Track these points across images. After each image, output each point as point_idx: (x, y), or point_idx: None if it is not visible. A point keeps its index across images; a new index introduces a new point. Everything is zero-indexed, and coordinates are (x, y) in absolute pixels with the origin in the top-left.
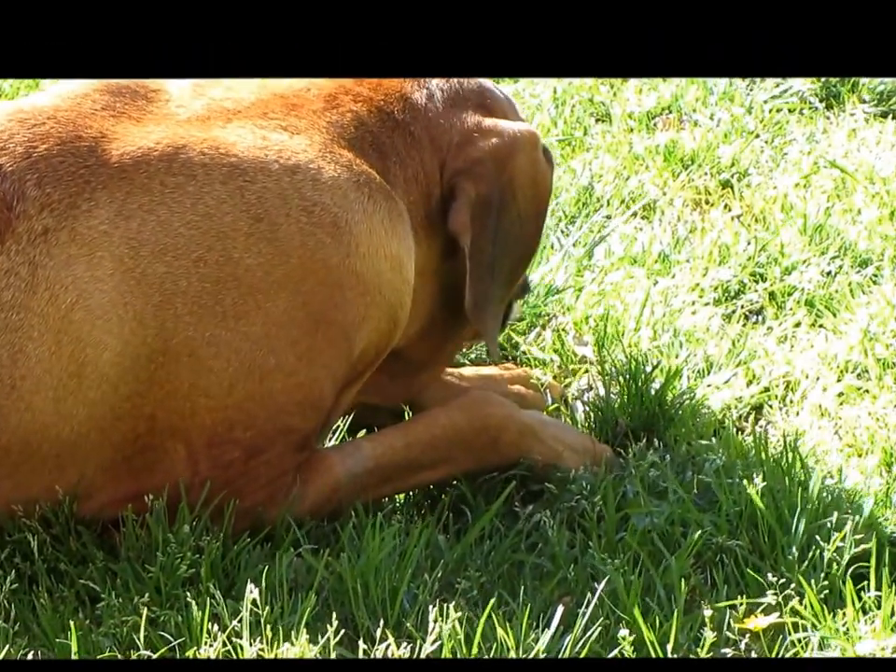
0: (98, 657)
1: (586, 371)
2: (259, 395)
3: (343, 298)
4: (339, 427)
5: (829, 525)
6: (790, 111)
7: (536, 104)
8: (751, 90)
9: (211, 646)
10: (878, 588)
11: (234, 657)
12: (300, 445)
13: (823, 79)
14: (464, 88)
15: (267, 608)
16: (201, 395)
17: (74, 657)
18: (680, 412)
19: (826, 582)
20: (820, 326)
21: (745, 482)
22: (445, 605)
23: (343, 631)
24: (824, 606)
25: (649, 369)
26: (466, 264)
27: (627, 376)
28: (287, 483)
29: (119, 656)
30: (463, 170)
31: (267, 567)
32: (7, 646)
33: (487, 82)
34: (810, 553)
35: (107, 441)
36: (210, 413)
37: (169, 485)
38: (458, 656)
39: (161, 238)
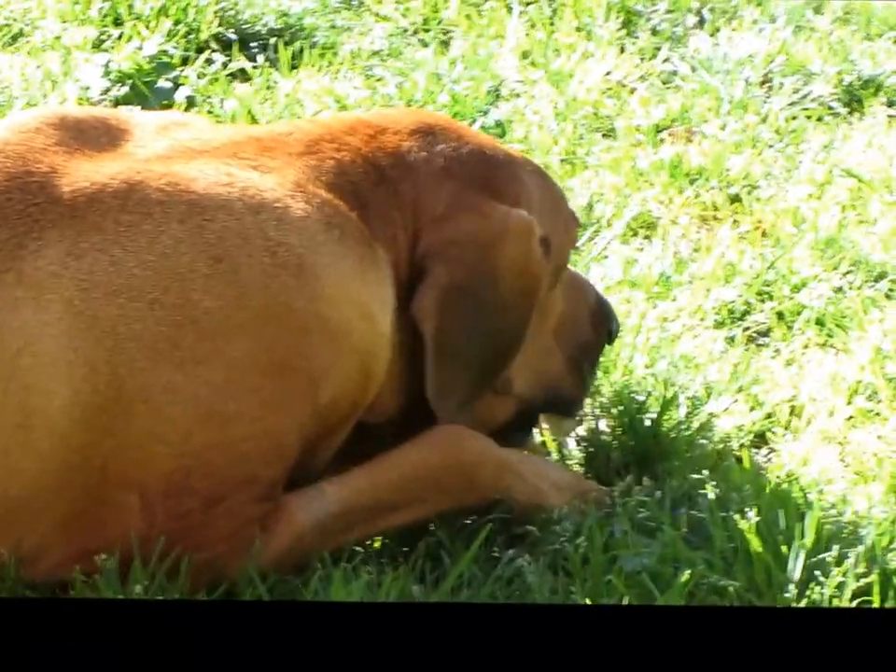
0: None
1: None
2: (218, 442)
3: (307, 343)
4: None
5: (829, 559)
6: (808, 118)
7: (537, 120)
8: (769, 97)
9: None
10: None
11: None
12: (262, 495)
13: (846, 83)
14: (472, 160)
15: None
16: (156, 443)
17: None
18: (676, 443)
19: None
20: (831, 345)
21: (739, 516)
22: None
23: None
24: None
25: (642, 398)
26: (426, 351)
27: (620, 407)
28: (249, 534)
29: None
30: (437, 251)
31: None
32: None
33: (511, 160)
34: (808, 591)
35: (59, 498)
36: (166, 462)
37: (122, 540)
38: None
39: (113, 279)
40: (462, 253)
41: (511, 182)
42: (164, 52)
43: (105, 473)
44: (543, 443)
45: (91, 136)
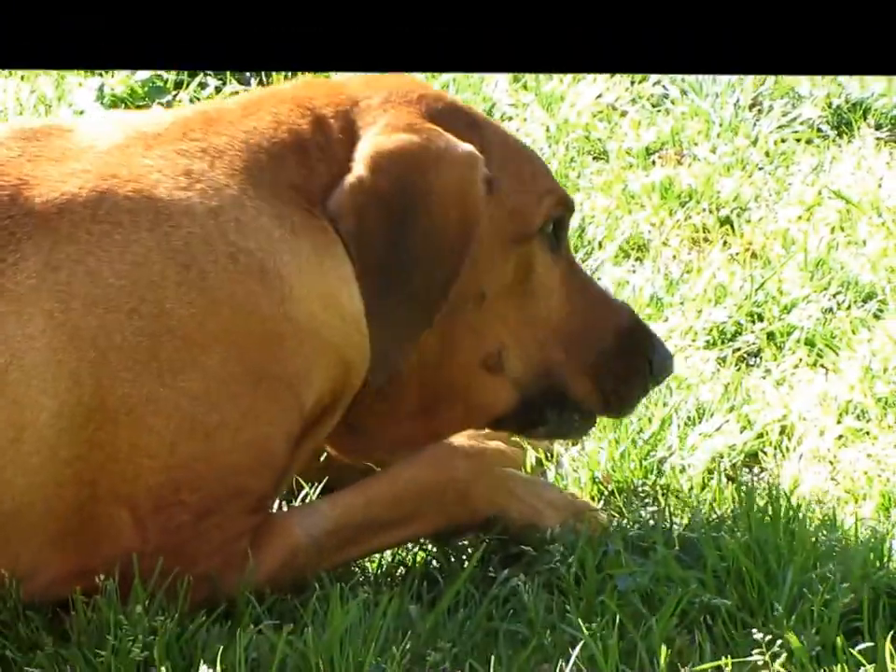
0: None
1: None
2: (204, 454)
3: (281, 348)
4: (308, 493)
5: (820, 576)
6: (797, 141)
7: (529, 143)
8: (758, 119)
9: None
10: (872, 640)
11: None
12: (254, 507)
13: (834, 106)
14: (431, 101)
15: None
16: (143, 456)
17: None
18: (669, 463)
19: (817, 637)
20: (820, 365)
21: (731, 535)
22: None
23: None
24: (815, 662)
25: (636, 419)
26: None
27: (614, 429)
28: (241, 547)
29: None
30: (366, 156)
31: (226, 647)
32: None
33: (475, 114)
34: (800, 608)
35: (51, 512)
36: (154, 475)
37: (118, 557)
38: None
39: (91, 290)
40: (391, 165)
41: (467, 127)
42: (158, 76)
43: (96, 488)
44: (539, 462)
45: (50, 142)
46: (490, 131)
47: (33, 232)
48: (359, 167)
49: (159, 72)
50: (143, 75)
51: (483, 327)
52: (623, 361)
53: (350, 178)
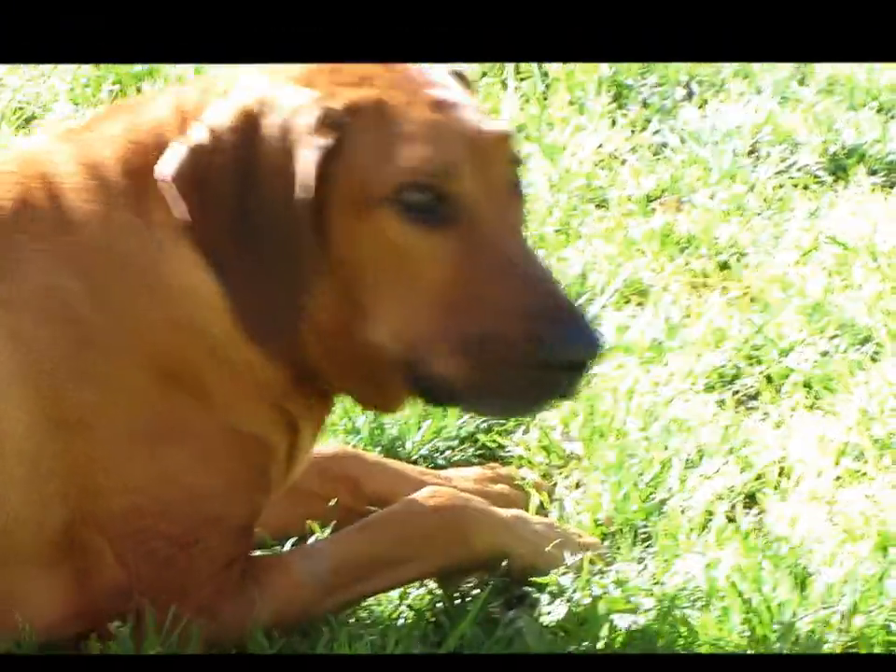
0: None
1: (574, 468)
2: (156, 475)
3: (182, 355)
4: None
5: (818, 616)
6: (794, 187)
7: (532, 192)
8: (756, 166)
9: None
10: None
11: None
12: (236, 531)
13: (830, 152)
14: (312, 68)
15: None
16: (99, 471)
17: None
18: (669, 505)
19: None
20: (818, 408)
21: (731, 576)
22: None
23: None
24: None
25: (637, 462)
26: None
27: (616, 471)
28: (233, 576)
29: None
30: (205, 121)
31: None
32: None
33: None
34: (795, 649)
35: (41, 533)
36: (115, 498)
37: (109, 592)
38: None
39: (33, 300)
40: (223, 119)
41: (347, 86)
42: None
43: (73, 508)
44: (541, 504)
45: None
46: (374, 90)
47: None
48: (191, 128)
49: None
50: None
51: (350, 293)
52: (507, 345)
53: (175, 144)
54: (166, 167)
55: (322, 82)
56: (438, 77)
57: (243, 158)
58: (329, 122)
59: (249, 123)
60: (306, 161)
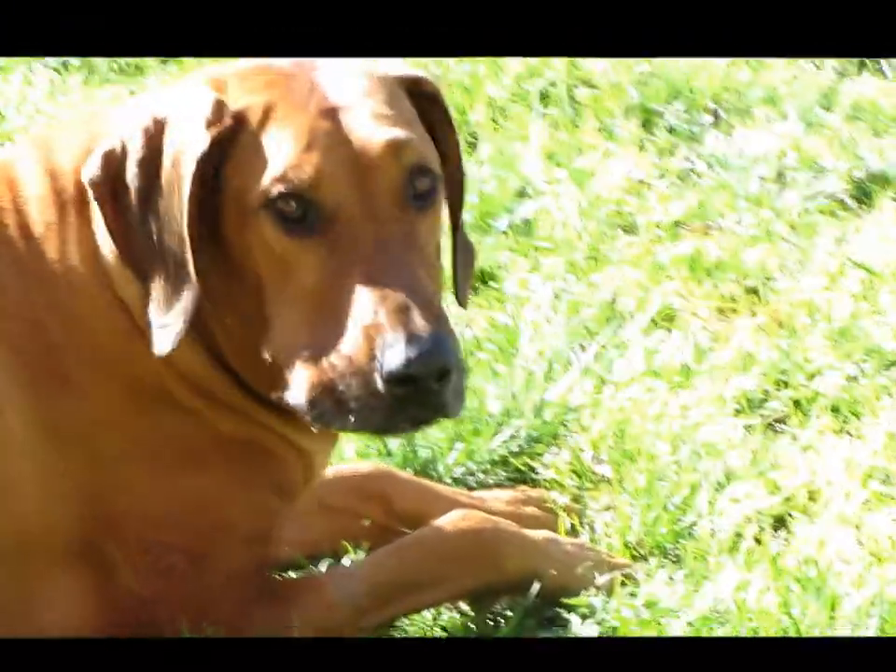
0: None
1: (604, 491)
2: (155, 486)
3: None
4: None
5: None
6: (820, 212)
7: (562, 218)
8: (782, 192)
9: None
10: None
11: None
12: (245, 542)
13: (856, 178)
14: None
15: None
16: (93, 479)
17: None
18: (698, 527)
19: None
20: (845, 431)
21: (759, 597)
22: None
23: None
24: None
25: (667, 485)
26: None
27: (646, 494)
28: (250, 592)
29: None
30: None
31: None
32: None
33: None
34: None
35: (58, 527)
36: (119, 505)
37: (123, 599)
38: None
39: (7, 304)
40: (133, 125)
41: (250, 91)
42: None
43: (83, 506)
44: (572, 527)
45: None
46: (267, 96)
47: None
48: (111, 138)
49: None
50: None
51: (251, 298)
52: (347, 361)
53: (97, 150)
54: (86, 172)
55: (233, 86)
56: (342, 83)
57: (146, 163)
58: (215, 129)
59: (155, 129)
60: (186, 167)
